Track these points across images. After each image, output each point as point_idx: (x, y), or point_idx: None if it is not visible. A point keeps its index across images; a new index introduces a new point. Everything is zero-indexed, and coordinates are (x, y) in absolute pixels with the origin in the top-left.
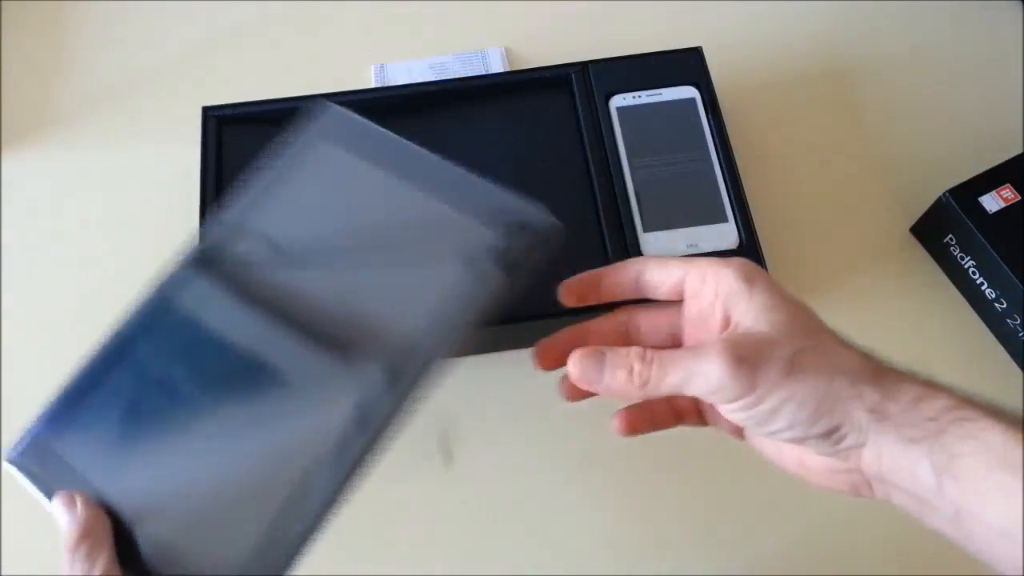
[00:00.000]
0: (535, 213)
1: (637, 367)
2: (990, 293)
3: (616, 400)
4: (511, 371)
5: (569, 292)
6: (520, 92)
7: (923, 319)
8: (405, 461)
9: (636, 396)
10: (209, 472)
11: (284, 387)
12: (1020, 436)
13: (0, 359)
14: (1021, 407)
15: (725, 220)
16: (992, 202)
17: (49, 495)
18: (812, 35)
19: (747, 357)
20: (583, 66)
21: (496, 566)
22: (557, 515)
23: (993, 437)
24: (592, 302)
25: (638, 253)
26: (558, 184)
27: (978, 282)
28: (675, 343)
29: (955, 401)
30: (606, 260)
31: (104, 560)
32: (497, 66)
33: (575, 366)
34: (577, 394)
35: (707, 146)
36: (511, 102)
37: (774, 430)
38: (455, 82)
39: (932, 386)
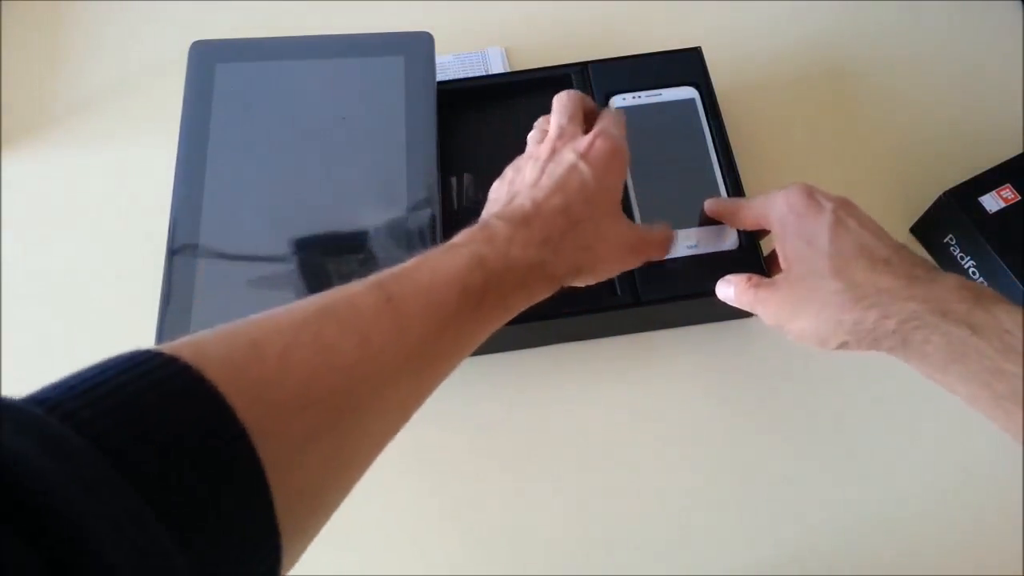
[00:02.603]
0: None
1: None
2: None
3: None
4: (512, 371)
5: (711, 209)
6: (520, 92)
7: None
8: (406, 461)
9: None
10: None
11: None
12: None
13: (0, 358)
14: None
15: None
16: (992, 202)
17: None
18: (812, 35)
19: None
20: (583, 66)
21: (495, 565)
22: (557, 515)
23: None
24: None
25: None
26: None
27: (978, 282)
28: None
29: None
30: None
31: None
32: (497, 66)
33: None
34: None
35: (707, 146)
36: (511, 102)
37: None
38: (455, 82)
39: None
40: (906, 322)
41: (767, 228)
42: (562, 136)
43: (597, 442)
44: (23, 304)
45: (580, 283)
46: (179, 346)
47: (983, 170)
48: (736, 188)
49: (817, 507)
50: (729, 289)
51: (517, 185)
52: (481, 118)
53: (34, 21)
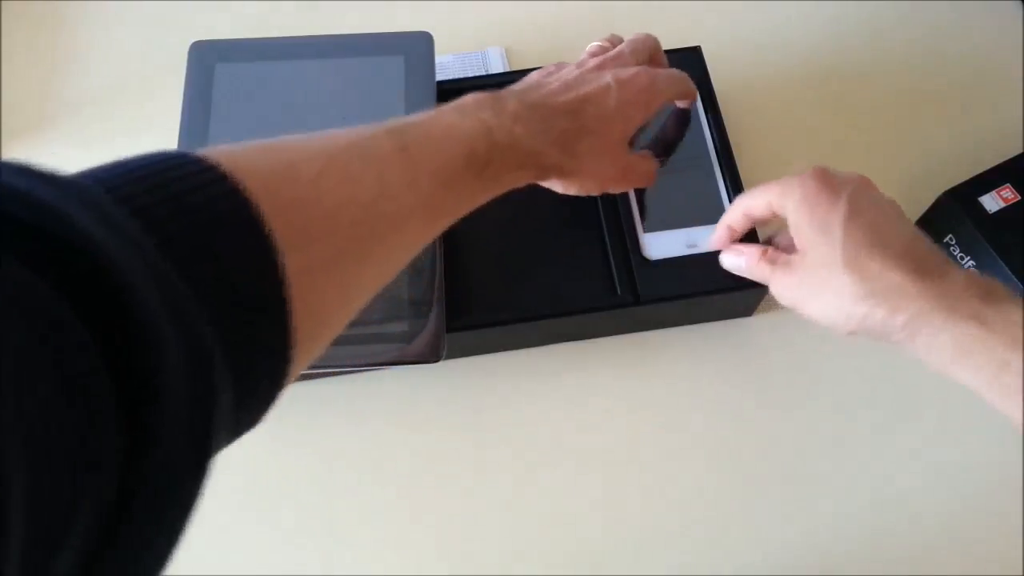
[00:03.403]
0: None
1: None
2: None
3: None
4: (512, 371)
5: (722, 241)
6: None
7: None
8: (405, 460)
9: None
10: None
11: None
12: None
13: None
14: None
15: None
16: (992, 202)
17: None
18: (812, 35)
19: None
20: None
21: (495, 565)
22: (556, 514)
23: None
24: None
25: (637, 253)
26: None
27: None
28: None
29: None
30: (606, 260)
31: None
32: (497, 66)
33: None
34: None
35: (707, 146)
36: None
37: None
38: (455, 82)
39: None
40: (915, 319)
41: (781, 215)
42: (616, 59)
43: (597, 442)
44: None
45: (561, 188)
46: (218, 154)
47: (983, 170)
48: (736, 188)
49: (817, 507)
50: (740, 259)
51: (551, 78)
52: None
53: (34, 21)
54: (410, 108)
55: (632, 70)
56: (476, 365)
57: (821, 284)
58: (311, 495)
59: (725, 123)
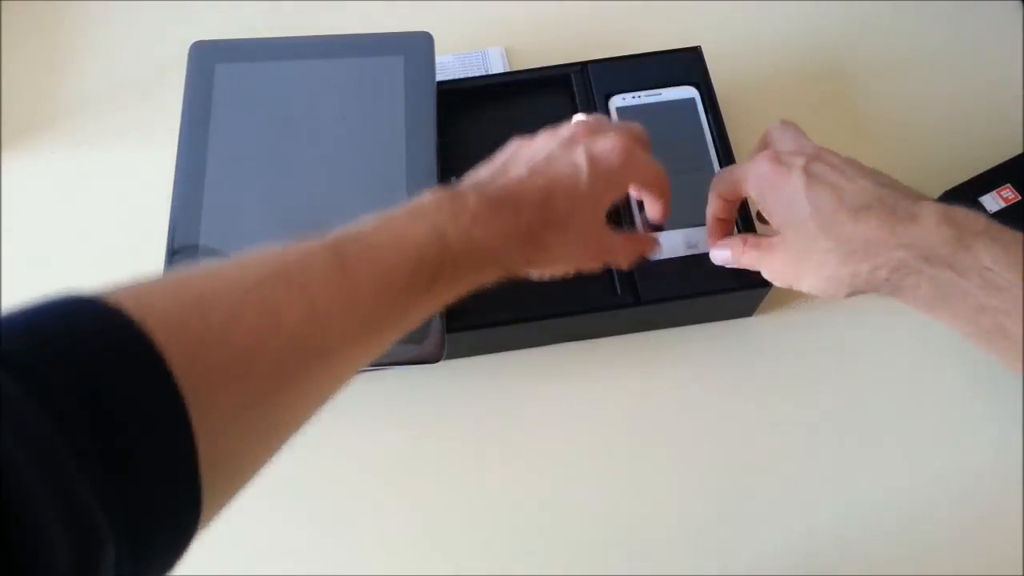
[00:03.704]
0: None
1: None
2: None
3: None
4: (512, 371)
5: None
6: (520, 92)
7: (924, 319)
8: (403, 461)
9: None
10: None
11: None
12: None
13: None
14: (1022, 404)
15: None
16: (992, 202)
17: None
18: (812, 35)
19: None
20: (583, 66)
21: (494, 565)
22: (556, 514)
23: None
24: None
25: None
26: None
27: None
28: None
29: None
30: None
31: None
32: (497, 66)
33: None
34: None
35: (707, 146)
36: (511, 102)
37: None
38: (455, 82)
39: None
40: (896, 270)
41: (749, 198)
42: (591, 129)
43: (597, 441)
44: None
45: (532, 276)
46: (123, 294)
47: (983, 170)
48: None
49: (817, 507)
50: (725, 252)
51: (520, 155)
52: (481, 118)
53: (34, 21)
54: (410, 108)
55: (608, 142)
56: (477, 365)
57: (804, 257)
58: (311, 495)
59: (725, 123)
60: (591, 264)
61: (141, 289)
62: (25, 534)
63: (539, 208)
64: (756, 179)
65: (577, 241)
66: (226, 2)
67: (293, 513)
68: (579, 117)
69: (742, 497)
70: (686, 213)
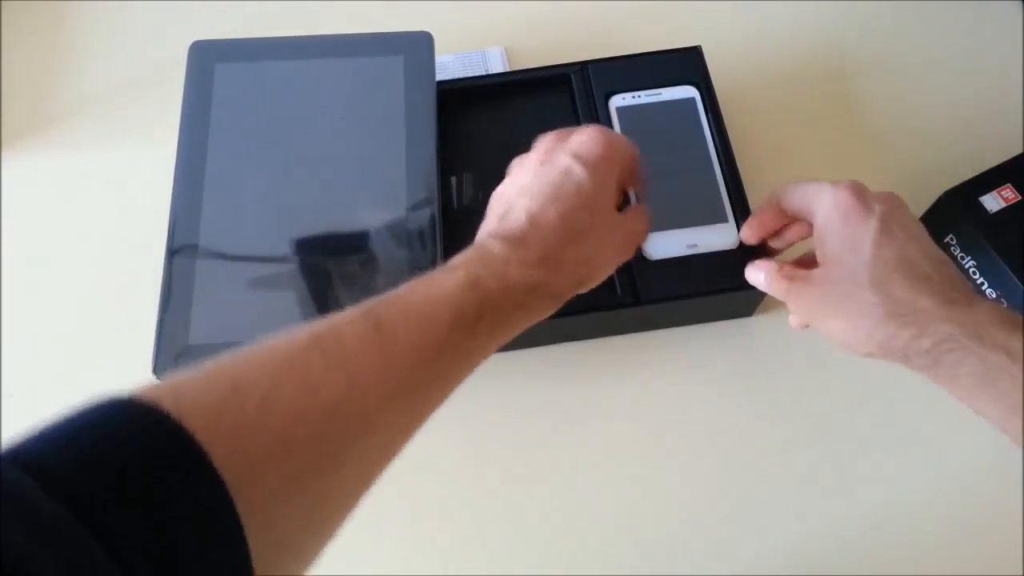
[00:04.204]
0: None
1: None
2: (991, 293)
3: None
4: (512, 371)
5: (751, 235)
6: (520, 92)
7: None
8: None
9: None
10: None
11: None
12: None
13: (0, 355)
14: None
15: (725, 220)
16: (992, 202)
17: None
18: (812, 35)
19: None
20: (583, 66)
21: (495, 565)
22: (557, 515)
23: None
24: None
25: (638, 253)
26: None
27: (979, 282)
28: None
29: None
30: None
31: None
32: (497, 66)
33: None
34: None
35: (707, 146)
36: (511, 102)
37: None
38: (455, 82)
39: None
40: (941, 343)
41: (808, 219)
42: (558, 137)
43: (597, 442)
44: (23, 304)
45: (580, 292)
46: (160, 392)
47: (983, 170)
48: (736, 187)
49: (818, 507)
50: (759, 275)
51: (510, 194)
52: (481, 118)
53: (34, 21)
54: (410, 108)
55: (581, 135)
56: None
57: (843, 301)
58: None
59: (725, 123)
60: (627, 256)
61: (178, 385)
62: None
63: (561, 227)
64: (832, 202)
65: (608, 240)
66: (226, 2)
67: None
68: (536, 144)
69: (742, 497)
70: (686, 213)
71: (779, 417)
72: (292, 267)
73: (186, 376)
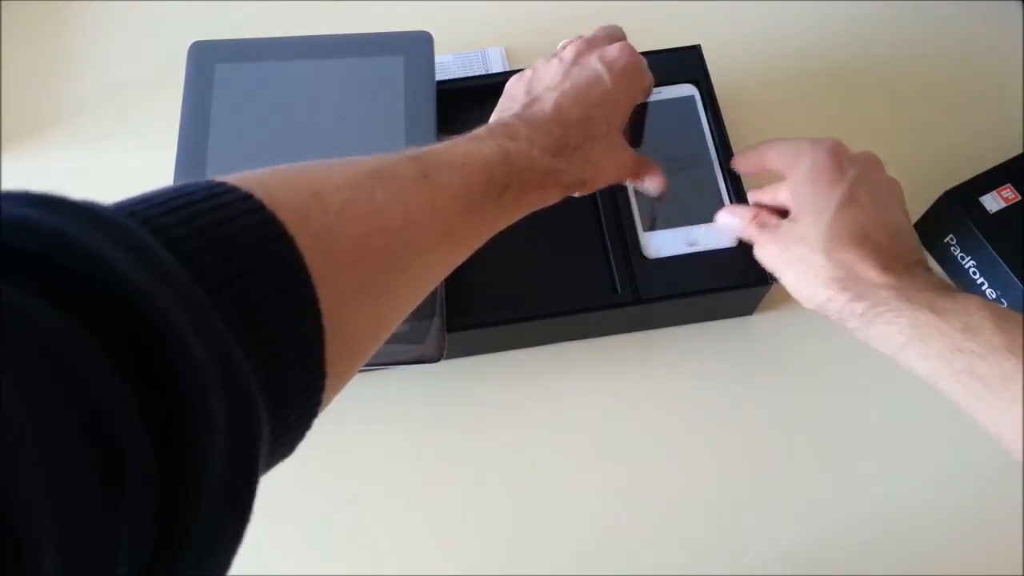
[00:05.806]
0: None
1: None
2: (991, 293)
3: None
4: (511, 370)
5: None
6: None
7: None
8: (404, 460)
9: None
10: None
11: None
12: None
13: None
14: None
15: None
16: (992, 202)
17: None
18: (812, 34)
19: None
20: None
21: (494, 565)
22: (556, 514)
23: None
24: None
25: (638, 252)
26: None
27: (979, 282)
28: None
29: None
30: (606, 259)
31: None
32: (497, 66)
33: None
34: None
35: (707, 145)
36: None
37: None
38: (455, 82)
39: None
40: (874, 307)
41: (787, 175)
42: (590, 43)
43: (596, 441)
44: None
45: (578, 194)
46: (250, 183)
47: (983, 170)
48: (736, 186)
49: (817, 507)
50: (733, 219)
51: (536, 86)
52: (481, 118)
53: (34, 22)
54: (410, 108)
55: (615, 48)
56: (477, 365)
57: (798, 258)
58: (310, 494)
59: (725, 123)
60: (629, 174)
61: (263, 181)
62: (190, 382)
63: (582, 123)
64: (810, 160)
65: (612, 154)
66: (226, 2)
67: (292, 513)
68: (564, 42)
69: (742, 496)
70: (686, 211)
71: (779, 416)
72: None
73: (265, 174)
